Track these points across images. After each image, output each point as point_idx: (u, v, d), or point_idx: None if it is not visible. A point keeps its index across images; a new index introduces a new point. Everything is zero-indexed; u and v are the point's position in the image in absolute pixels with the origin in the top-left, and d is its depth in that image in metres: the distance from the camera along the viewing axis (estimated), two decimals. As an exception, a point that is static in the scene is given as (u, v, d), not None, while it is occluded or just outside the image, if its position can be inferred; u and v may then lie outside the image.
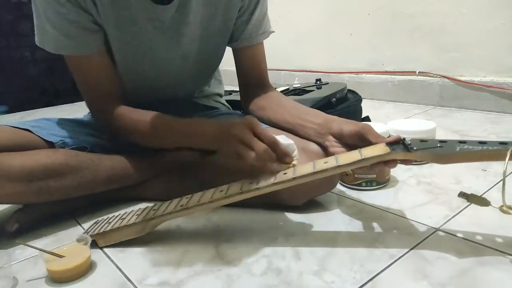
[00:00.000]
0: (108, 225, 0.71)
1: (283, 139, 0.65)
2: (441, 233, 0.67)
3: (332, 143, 0.71)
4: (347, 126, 0.69)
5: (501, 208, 0.56)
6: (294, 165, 0.64)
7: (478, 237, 0.64)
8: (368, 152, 0.60)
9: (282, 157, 0.63)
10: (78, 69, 0.81)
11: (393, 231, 0.68)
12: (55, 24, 0.73)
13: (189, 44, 0.85)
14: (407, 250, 0.62)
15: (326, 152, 0.72)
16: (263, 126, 0.76)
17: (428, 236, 0.66)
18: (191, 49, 0.87)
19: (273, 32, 0.94)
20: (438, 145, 0.57)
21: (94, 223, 0.75)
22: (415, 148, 0.58)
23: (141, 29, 0.79)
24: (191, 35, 0.84)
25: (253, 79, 0.93)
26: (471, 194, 0.60)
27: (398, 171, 0.94)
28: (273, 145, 0.63)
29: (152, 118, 0.78)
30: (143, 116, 0.79)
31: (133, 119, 0.80)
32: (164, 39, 0.82)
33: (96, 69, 0.81)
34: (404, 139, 0.60)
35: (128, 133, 0.82)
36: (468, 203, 0.75)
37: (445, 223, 0.69)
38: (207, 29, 0.86)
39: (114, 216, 0.75)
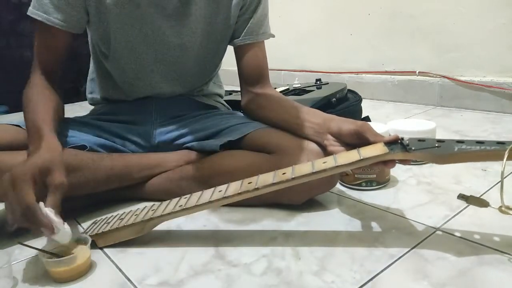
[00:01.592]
0: (106, 225, 0.71)
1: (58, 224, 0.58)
2: (441, 233, 0.67)
3: (331, 142, 0.71)
4: (345, 125, 0.69)
5: (500, 209, 0.56)
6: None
7: (478, 237, 0.64)
8: (367, 152, 0.60)
9: (37, 227, 0.57)
10: (40, 36, 0.83)
11: (393, 231, 0.68)
12: None
13: (190, 36, 0.87)
14: (407, 250, 0.62)
15: (325, 152, 0.72)
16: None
17: (428, 236, 0.66)
18: (192, 41, 0.88)
19: (273, 36, 0.96)
20: (436, 145, 0.57)
21: (93, 223, 0.75)
22: (413, 148, 0.58)
23: (144, 13, 0.82)
24: (192, 28, 0.86)
25: (254, 77, 0.94)
26: (470, 195, 0.61)
27: (398, 171, 0.94)
28: (28, 214, 0.56)
29: (29, 108, 0.76)
30: (30, 101, 0.77)
31: (26, 97, 0.79)
32: (167, 26, 0.85)
33: (56, 43, 0.83)
34: (402, 138, 0.60)
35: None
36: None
37: (445, 223, 0.70)
38: (210, 25, 0.88)
39: (112, 216, 0.75)
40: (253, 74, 0.94)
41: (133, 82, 0.92)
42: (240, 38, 0.91)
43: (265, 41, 0.95)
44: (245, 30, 0.91)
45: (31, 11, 0.80)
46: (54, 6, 0.79)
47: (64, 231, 0.59)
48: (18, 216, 0.57)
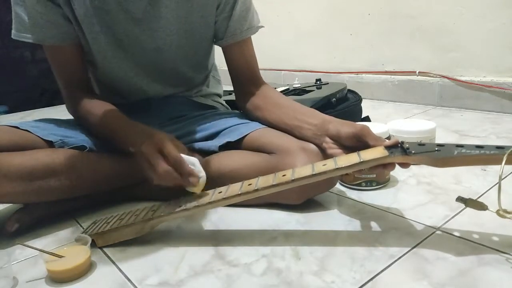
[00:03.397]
0: (106, 225, 0.71)
1: (188, 158, 0.66)
2: (441, 233, 0.67)
3: (330, 145, 0.71)
4: (344, 128, 0.69)
5: (498, 212, 0.57)
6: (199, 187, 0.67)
7: (478, 237, 0.64)
8: (367, 155, 0.60)
9: (185, 177, 0.65)
10: (49, 57, 0.85)
11: (393, 231, 0.68)
12: (25, 10, 0.78)
13: (164, 39, 0.86)
14: (407, 250, 0.62)
15: (324, 153, 0.72)
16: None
17: (428, 236, 0.66)
18: (167, 43, 0.87)
19: (262, 27, 0.93)
20: (436, 148, 0.58)
21: (92, 223, 0.75)
22: (413, 152, 0.58)
23: (114, 20, 0.81)
24: (166, 31, 0.85)
25: (244, 76, 0.92)
26: (469, 198, 0.61)
27: (398, 171, 0.94)
28: (177, 165, 0.64)
29: (100, 112, 0.81)
30: (94, 108, 0.82)
31: (86, 110, 0.84)
32: (139, 31, 0.84)
33: (63, 58, 0.85)
34: (402, 142, 0.61)
35: (83, 123, 0.86)
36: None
37: (445, 223, 0.70)
38: (186, 24, 0.86)
39: (112, 216, 0.75)
40: (243, 74, 0.92)
41: (123, 87, 0.92)
42: (224, 38, 0.89)
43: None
44: (227, 30, 0.88)
45: (19, 35, 0.81)
46: (41, 25, 0.79)
47: (203, 178, 0.67)
48: (170, 172, 0.63)
